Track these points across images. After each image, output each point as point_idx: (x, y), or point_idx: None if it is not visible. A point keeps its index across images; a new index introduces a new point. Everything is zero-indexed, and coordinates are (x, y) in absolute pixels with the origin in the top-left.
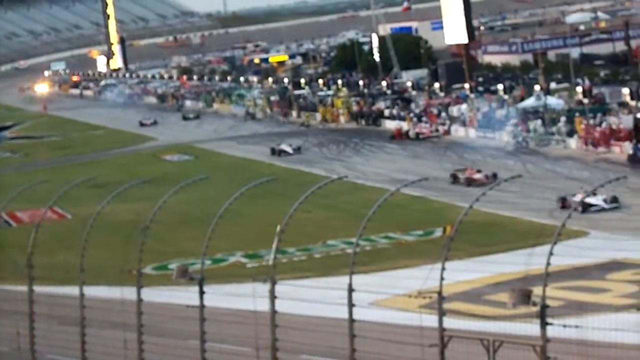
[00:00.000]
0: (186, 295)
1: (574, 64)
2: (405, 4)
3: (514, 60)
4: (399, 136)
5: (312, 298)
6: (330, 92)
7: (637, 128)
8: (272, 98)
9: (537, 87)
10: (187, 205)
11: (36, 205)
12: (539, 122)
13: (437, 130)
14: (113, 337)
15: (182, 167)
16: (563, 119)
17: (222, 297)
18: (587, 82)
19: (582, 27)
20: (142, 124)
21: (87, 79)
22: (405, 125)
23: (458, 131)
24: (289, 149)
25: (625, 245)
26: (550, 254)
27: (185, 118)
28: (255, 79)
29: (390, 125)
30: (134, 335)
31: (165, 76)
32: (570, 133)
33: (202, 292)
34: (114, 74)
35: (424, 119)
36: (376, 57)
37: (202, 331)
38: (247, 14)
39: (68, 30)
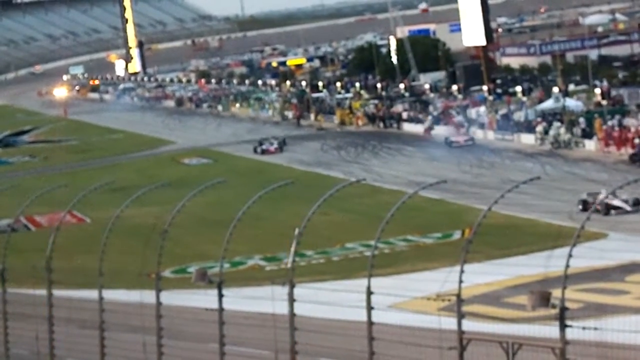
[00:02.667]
0: (205, 299)
1: (592, 66)
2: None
3: (532, 62)
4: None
5: (331, 301)
6: (348, 95)
7: None
8: (293, 101)
9: (555, 89)
10: (205, 209)
11: (55, 209)
12: (558, 124)
13: (471, 139)
14: (132, 340)
15: (201, 170)
16: (582, 120)
17: (240, 300)
18: (605, 83)
19: (600, 29)
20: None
21: (105, 82)
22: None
23: (476, 133)
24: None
25: None
26: (570, 256)
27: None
28: (273, 82)
29: (409, 127)
30: (153, 338)
31: (184, 80)
32: (589, 135)
33: (220, 295)
34: (132, 78)
35: (462, 128)
36: (394, 59)
37: (221, 334)
38: (264, 17)
39: (86, 34)
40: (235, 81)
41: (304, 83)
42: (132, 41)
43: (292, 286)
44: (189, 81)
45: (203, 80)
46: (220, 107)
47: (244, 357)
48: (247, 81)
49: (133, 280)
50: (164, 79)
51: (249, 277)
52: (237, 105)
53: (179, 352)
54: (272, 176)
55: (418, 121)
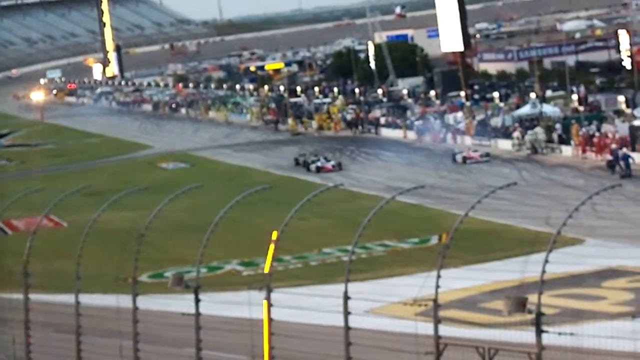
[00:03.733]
0: (182, 303)
1: (570, 72)
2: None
3: (510, 68)
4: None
5: (308, 306)
6: (327, 100)
7: (633, 135)
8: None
9: (532, 95)
10: (182, 213)
11: (32, 213)
12: (536, 130)
13: (487, 155)
14: (109, 345)
15: (178, 175)
16: (558, 126)
17: (217, 305)
18: (582, 89)
19: (577, 35)
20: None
21: (83, 86)
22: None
23: (454, 139)
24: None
25: (620, 252)
26: (546, 261)
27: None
28: (251, 86)
29: (387, 133)
30: (129, 343)
31: (161, 84)
32: (566, 141)
33: (197, 300)
34: (110, 82)
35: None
36: (372, 65)
37: (198, 339)
38: (243, 21)
39: (64, 38)
40: (213, 85)
41: (282, 88)
42: (110, 45)
43: (270, 291)
44: (166, 85)
45: (181, 85)
46: (198, 111)
47: None
48: (224, 85)
49: (110, 284)
50: (142, 83)
51: (226, 282)
52: (215, 109)
53: (156, 357)
54: (249, 181)
55: (396, 126)
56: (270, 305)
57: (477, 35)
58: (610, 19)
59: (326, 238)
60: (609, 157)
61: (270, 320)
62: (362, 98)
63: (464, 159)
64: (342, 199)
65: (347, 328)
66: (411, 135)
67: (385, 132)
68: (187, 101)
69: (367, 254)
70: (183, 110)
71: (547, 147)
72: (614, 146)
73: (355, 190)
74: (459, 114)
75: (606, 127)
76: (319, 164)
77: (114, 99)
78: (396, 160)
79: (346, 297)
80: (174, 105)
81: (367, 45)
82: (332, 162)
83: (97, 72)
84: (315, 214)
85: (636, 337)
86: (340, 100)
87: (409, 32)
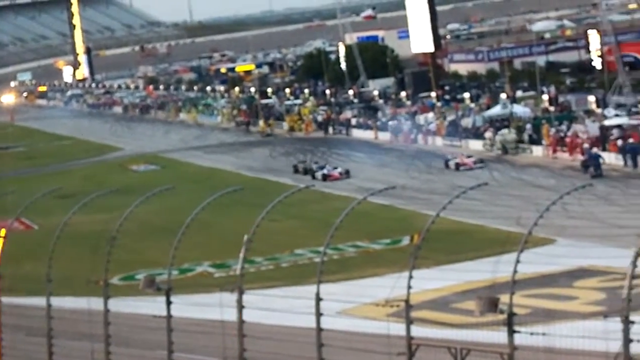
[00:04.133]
0: (153, 306)
1: (540, 72)
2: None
3: (480, 68)
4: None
5: (280, 307)
6: (298, 101)
7: (604, 135)
8: (241, 107)
9: (503, 96)
10: (154, 215)
11: (3, 215)
12: (507, 130)
13: (481, 161)
14: (80, 347)
15: (149, 177)
16: (529, 126)
17: (189, 307)
18: (553, 90)
19: (547, 35)
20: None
21: (53, 89)
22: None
23: (425, 139)
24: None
25: (592, 252)
26: (517, 261)
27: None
28: (222, 88)
29: (358, 134)
30: (101, 346)
31: (132, 86)
32: (536, 141)
33: (169, 302)
34: (80, 84)
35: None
36: (343, 66)
37: (170, 341)
38: (213, 23)
39: (34, 41)
40: (183, 87)
41: (252, 89)
42: (80, 47)
43: (241, 293)
44: (136, 87)
45: (151, 87)
46: (168, 113)
47: None
48: (195, 87)
49: (81, 287)
50: (112, 85)
51: (197, 284)
52: (186, 111)
53: (127, 359)
54: (220, 182)
55: (367, 127)
56: (241, 307)
57: (448, 36)
58: (580, 19)
59: (298, 239)
60: (581, 157)
61: (241, 322)
62: (333, 99)
63: (457, 165)
64: (313, 200)
65: (319, 329)
66: (382, 136)
67: (357, 133)
68: (157, 103)
69: (339, 255)
70: (153, 112)
71: (518, 147)
72: (586, 146)
73: (327, 191)
74: (430, 115)
75: (577, 127)
76: (325, 171)
77: (84, 101)
78: (367, 161)
79: (318, 299)
80: (144, 107)
81: (337, 46)
82: (340, 170)
83: (67, 74)
84: (287, 215)
85: (608, 336)
86: (311, 101)
87: (380, 33)
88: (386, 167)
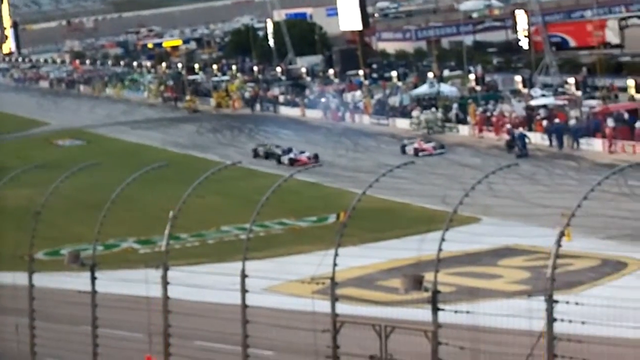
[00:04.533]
0: (78, 281)
1: (467, 52)
2: None
3: (408, 47)
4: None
5: (205, 284)
6: (225, 78)
7: (529, 115)
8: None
9: (430, 75)
10: (79, 191)
11: None
12: (433, 109)
13: (441, 147)
14: (5, 322)
15: (74, 152)
16: (455, 106)
17: (114, 282)
18: (480, 69)
19: (475, 15)
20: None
21: None
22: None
23: (353, 117)
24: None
25: (516, 231)
26: (442, 240)
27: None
28: (148, 63)
29: (285, 111)
30: (25, 320)
31: (58, 61)
32: (463, 120)
33: (94, 278)
34: (7, 59)
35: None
36: (271, 43)
37: (94, 317)
38: None
39: None
40: (110, 62)
41: (180, 65)
42: (7, 21)
43: (166, 269)
44: (63, 62)
45: (78, 61)
46: (95, 88)
47: (117, 340)
48: (122, 62)
49: (6, 262)
50: (39, 59)
51: (122, 259)
52: (112, 86)
53: (52, 334)
54: (146, 158)
55: (295, 105)
56: (166, 283)
57: (376, 15)
58: None
59: (224, 216)
60: (507, 136)
61: (166, 298)
62: (260, 76)
63: (416, 150)
64: (240, 177)
65: (245, 306)
66: (310, 113)
67: (284, 111)
68: (84, 78)
69: (265, 232)
70: (80, 87)
71: (445, 126)
72: (508, 126)
73: (254, 168)
74: (358, 93)
75: (503, 107)
76: (292, 155)
77: (10, 75)
78: (295, 138)
79: (244, 275)
80: (70, 82)
81: (265, 23)
82: (308, 154)
83: None
84: (213, 192)
85: (532, 315)
86: (238, 78)
87: (308, 11)
88: (314, 145)
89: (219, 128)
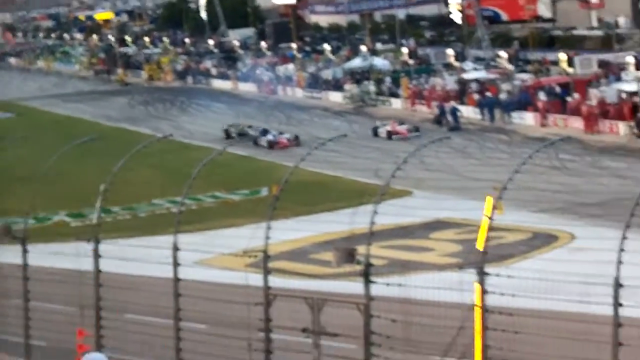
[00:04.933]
0: (9, 254)
1: (400, 25)
2: None
3: (341, 20)
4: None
5: (137, 257)
6: (157, 50)
7: (462, 89)
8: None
9: (363, 48)
10: (9, 164)
11: None
12: (366, 82)
13: (417, 130)
14: None
15: (4, 124)
16: (388, 79)
17: (45, 256)
18: (412, 43)
19: None
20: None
21: None
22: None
23: (285, 91)
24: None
25: (448, 204)
26: (375, 213)
27: None
28: (80, 36)
29: (218, 84)
30: None
31: None
32: (395, 94)
33: (25, 251)
34: None
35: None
36: (203, 15)
37: (26, 290)
38: None
39: None
40: (41, 35)
41: (111, 37)
42: None
43: (98, 242)
44: None
45: (9, 34)
46: (26, 61)
47: (49, 313)
48: (53, 35)
49: None
50: None
51: (54, 232)
52: (43, 59)
53: None
54: (77, 131)
55: (227, 77)
56: (98, 256)
57: None
58: None
59: (155, 189)
60: (437, 111)
61: (98, 271)
62: (192, 49)
63: (389, 133)
64: (172, 150)
65: (177, 279)
66: (242, 86)
67: (216, 83)
68: (15, 50)
69: (197, 206)
70: (11, 60)
71: (377, 99)
72: (436, 103)
73: (186, 141)
74: (290, 66)
75: (435, 81)
76: (270, 137)
77: None
78: (227, 111)
79: (175, 248)
80: (1, 55)
81: None
82: (288, 136)
83: None
84: (144, 165)
85: (463, 287)
86: (170, 50)
87: None
88: (246, 118)
89: (150, 101)
